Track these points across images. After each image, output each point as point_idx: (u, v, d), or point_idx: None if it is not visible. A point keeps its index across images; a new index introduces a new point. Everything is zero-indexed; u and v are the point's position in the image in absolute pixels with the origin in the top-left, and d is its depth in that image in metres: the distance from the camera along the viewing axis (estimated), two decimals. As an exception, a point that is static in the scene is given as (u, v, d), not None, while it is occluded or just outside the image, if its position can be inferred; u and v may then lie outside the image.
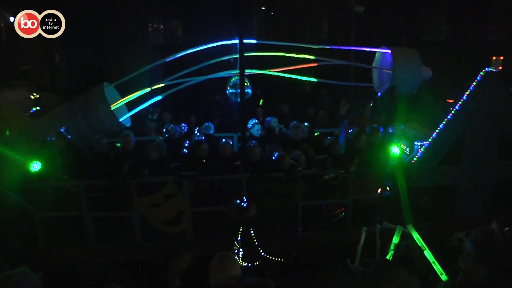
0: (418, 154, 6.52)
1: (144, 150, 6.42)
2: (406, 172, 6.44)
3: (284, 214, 6.48)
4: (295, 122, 7.01)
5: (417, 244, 3.84)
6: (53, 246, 6.48)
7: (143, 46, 20.82)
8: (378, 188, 6.59)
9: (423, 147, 6.51)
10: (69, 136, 6.39)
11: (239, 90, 6.89)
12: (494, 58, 10.88)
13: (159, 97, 7.11)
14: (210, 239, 6.49)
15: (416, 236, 3.91)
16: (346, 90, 12.86)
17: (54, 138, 6.47)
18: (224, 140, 6.52)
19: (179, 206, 6.33)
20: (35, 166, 6.13)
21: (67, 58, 17.01)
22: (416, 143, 6.62)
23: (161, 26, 24.58)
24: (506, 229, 4.34)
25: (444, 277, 3.59)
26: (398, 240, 4.05)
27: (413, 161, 6.54)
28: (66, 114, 6.94)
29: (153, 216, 6.33)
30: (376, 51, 7.65)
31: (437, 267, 3.67)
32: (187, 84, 7.14)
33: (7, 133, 7.24)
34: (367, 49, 7.60)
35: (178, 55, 7.37)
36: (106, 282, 3.59)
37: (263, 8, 25.85)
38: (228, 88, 7.25)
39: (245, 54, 5.99)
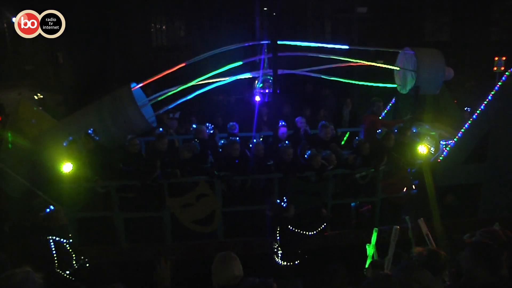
0: (444, 153, 6.70)
1: (177, 151, 6.51)
2: (432, 171, 6.64)
3: (315, 213, 6.61)
4: (323, 122, 7.15)
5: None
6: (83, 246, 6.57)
7: (146, 46, 20.90)
8: (406, 187, 6.76)
9: (449, 146, 6.69)
10: (97, 138, 6.46)
11: (266, 91, 7.06)
12: (496, 58, 11.12)
13: (188, 97, 7.19)
14: (242, 239, 6.62)
15: (424, 231, 4.08)
16: (350, 90, 13.01)
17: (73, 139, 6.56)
18: (255, 140, 6.64)
19: (211, 206, 6.44)
20: (67, 167, 6.20)
21: (70, 58, 17.00)
22: (442, 142, 6.80)
23: (164, 27, 24.62)
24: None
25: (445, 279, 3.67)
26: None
27: (439, 160, 6.72)
28: (93, 114, 6.99)
29: (185, 216, 6.43)
30: (399, 52, 7.82)
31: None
32: (215, 85, 7.24)
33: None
34: (391, 50, 7.77)
35: (202, 56, 7.45)
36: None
37: (265, 9, 25.99)
38: (256, 88, 7.36)
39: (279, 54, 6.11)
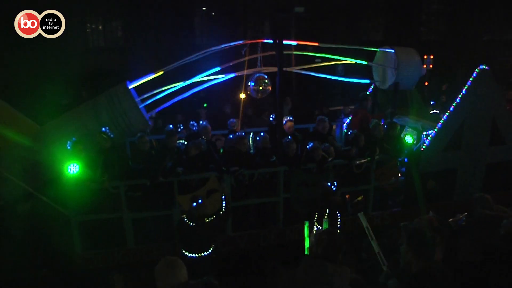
0: (426, 142, 7.55)
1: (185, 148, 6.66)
2: (417, 159, 7.47)
3: (316, 203, 7.12)
4: (321, 116, 7.68)
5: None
6: (90, 250, 6.49)
7: (83, 47, 20.07)
8: (395, 175, 7.51)
9: (430, 136, 7.56)
10: (112, 135, 6.42)
11: (261, 88, 7.44)
12: (425, 56, 12.42)
13: (183, 96, 7.32)
14: (249, 231, 6.95)
15: (365, 224, 4.04)
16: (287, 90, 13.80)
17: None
18: (263, 133, 6.99)
19: (220, 201, 6.67)
20: (73, 168, 6.09)
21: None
22: (424, 133, 7.65)
23: (100, 27, 23.86)
24: (450, 219, 4.95)
25: (384, 267, 3.84)
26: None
27: (422, 149, 7.56)
28: (89, 114, 6.87)
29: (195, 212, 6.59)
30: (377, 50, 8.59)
31: (380, 258, 3.86)
32: (212, 83, 7.45)
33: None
34: (372, 49, 8.51)
35: (198, 55, 7.61)
36: None
37: (204, 8, 26.17)
38: (250, 85, 7.68)
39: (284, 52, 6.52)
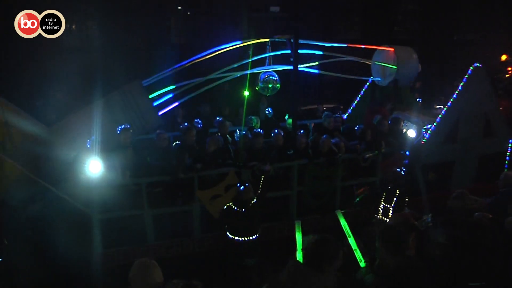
0: (427, 136, 8.08)
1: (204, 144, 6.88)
2: (418, 151, 7.99)
3: (327, 195, 7.52)
4: (327, 112, 8.08)
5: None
6: (111, 248, 6.59)
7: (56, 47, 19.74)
8: (399, 167, 7.99)
9: (430, 130, 8.09)
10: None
11: (270, 85, 7.77)
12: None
13: (191, 95, 7.53)
14: (264, 224, 7.24)
15: (343, 222, 4.10)
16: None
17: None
18: (276, 130, 7.30)
19: (238, 196, 6.93)
20: (96, 166, 6.18)
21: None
22: (424, 127, 8.18)
23: (74, 26, 23.50)
24: (424, 218, 5.00)
25: (362, 264, 3.89)
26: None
27: (422, 142, 8.08)
28: (104, 112, 6.97)
29: (215, 207, 6.82)
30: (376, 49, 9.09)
31: (358, 255, 3.92)
32: (221, 81, 7.71)
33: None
34: (371, 47, 8.99)
35: (203, 54, 7.84)
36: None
37: (179, 8, 26.23)
38: (259, 83, 7.98)
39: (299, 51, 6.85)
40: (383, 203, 6.34)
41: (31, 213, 7.23)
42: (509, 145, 8.75)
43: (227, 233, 5.85)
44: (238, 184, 5.98)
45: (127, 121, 6.98)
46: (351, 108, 10.00)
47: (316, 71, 8.37)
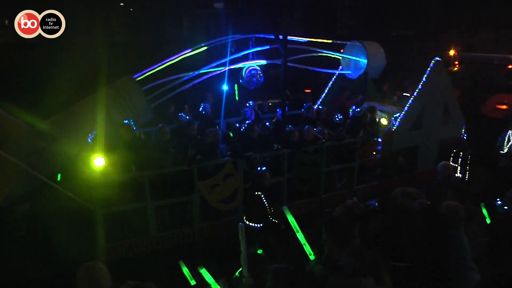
0: (396, 123, 8.99)
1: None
2: (390, 137, 8.89)
3: (314, 180, 8.16)
4: (309, 103, 8.72)
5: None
6: (114, 243, 6.71)
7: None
8: (374, 152, 8.84)
9: (399, 118, 9.01)
10: (134, 128, 6.68)
11: (254, 79, 8.26)
12: (342, 50, 14.25)
13: (184, 88, 7.80)
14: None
15: (290, 218, 4.11)
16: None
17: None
18: (267, 123, 7.81)
19: (235, 184, 7.34)
20: (99, 161, 6.30)
21: None
22: (394, 115, 9.09)
23: (6, 22, 22.36)
24: (362, 205, 5.24)
25: (312, 257, 4.03)
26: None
27: (393, 130, 8.99)
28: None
29: (213, 196, 7.18)
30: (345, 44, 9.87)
31: (307, 249, 4.03)
32: (210, 75, 8.05)
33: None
34: (341, 42, 9.75)
35: (191, 50, 8.13)
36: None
37: (121, 4, 25.86)
38: (245, 77, 8.41)
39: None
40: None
41: (19, 214, 7.15)
42: (463, 130, 9.98)
43: (244, 219, 6.21)
44: (259, 168, 6.43)
45: (121, 115, 7.12)
46: (320, 100, 10.75)
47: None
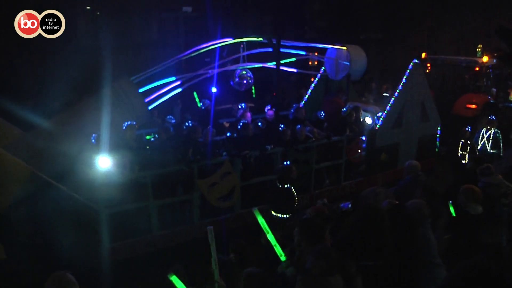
0: (379, 122, 9.59)
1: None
2: (373, 135, 9.48)
3: (305, 177, 8.61)
4: (297, 105, 9.19)
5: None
6: (117, 242, 6.89)
7: None
8: (359, 150, 9.40)
9: (382, 117, 9.62)
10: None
11: (244, 81, 8.67)
12: (310, 53, 14.87)
13: (179, 90, 8.09)
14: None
15: (260, 220, 4.22)
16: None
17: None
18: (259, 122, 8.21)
19: (232, 182, 7.67)
20: (105, 162, 6.49)
21: None
22: (376, 115, 9.69)
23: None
24: (335, 207, 5.39)
25: (283, 258, 4.13)
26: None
27: (376, 128, 9.58)
28: (97, 108, 7.20)
29: (212, 194, 7.48)
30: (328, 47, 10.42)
31: (278, 250, 4.13)
32: (203, 77, 8.37)
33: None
34: (323, 46, 10.28)
35: (189, 52, 8.43)
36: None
37: (88, 7, 25.69)
38: (235, 79, 8.78)
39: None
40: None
41: (16, 218, 7.19)
42: (438, 128, 10.74)
43: (272, 211, 6.63)
44: (285, 163, 6.95)
45: (120, 116, 7.32)
46: (303, 101, 11.26)
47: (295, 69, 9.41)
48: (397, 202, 4.91)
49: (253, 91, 10.55)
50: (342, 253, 3.92)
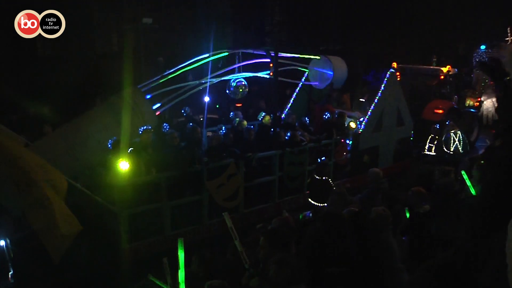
0: (362, 126, 10.60)
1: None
2: (357, 139, 10.47)
3: (300, 178, 9.41)
4: (289, 111, 10.05)
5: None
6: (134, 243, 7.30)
7: None
8: (345, 152, 10.34)
9: (364, 122, 10.64)
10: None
11: (241, 90, 9.43)
12: (271, 65, 15.79)
13: (183, 96, 8.68)
14: (257, 207, 8.76)
15: (229, 224, 4.32)
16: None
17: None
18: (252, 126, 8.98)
19: (237, 183, 8.32)
20: (124, 165, 6.95)
21: None
22: (359, 120, 10.71)
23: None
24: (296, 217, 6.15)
25: (246, 266, 4.20)
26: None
27: (359, 132, 10.58)
28: (110, 115, 7.64)
29: (219, 195, 8.09)
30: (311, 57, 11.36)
31: (243, 257, 4.19)
32: (204, 85, 9.02)
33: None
34: (312, 57, 11.20)
35: (188, 63, 9.06)
36: None
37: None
38: (231, 88, 9.50)
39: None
40: None
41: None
42: (412, 131, 11.96)
43: (309, 199, 7.67)
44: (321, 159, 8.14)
45: (131, 122, 7.79)
46: (287, 109, 12.11)
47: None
48: (357, 210, 5.16)
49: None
50: (306, 262, 4.09)
